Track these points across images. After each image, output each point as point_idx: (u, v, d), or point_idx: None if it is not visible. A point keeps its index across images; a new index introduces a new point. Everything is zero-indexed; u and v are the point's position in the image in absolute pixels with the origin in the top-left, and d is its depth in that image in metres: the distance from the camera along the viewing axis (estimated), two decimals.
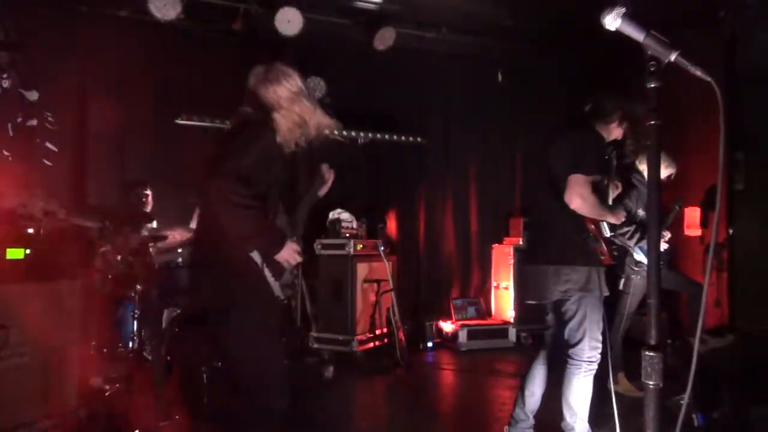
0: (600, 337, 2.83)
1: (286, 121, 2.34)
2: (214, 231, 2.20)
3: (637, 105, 2.88)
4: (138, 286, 3.98)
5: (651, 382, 1.45)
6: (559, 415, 2.97)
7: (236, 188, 2.08)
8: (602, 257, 2.83)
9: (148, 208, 4.81)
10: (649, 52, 1.45)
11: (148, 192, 4.83)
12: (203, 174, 2.20)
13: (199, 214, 2.44)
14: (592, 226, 2.80)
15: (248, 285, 2.27)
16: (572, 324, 2.84)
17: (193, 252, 2.62)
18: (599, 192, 2.79)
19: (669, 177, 4.15)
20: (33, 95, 4.94)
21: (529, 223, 3.57)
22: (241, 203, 2.09)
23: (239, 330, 2.25)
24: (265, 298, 2.30)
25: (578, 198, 2.68)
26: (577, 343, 2.83)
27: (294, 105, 2.36)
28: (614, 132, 2.97)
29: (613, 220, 2.83)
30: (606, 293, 2.85)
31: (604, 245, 2.82)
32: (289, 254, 2.26)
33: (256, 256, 2.24)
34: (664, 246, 3.97)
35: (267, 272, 2.26)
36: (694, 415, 3.33)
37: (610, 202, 3.00)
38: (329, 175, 2.69)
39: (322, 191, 2.72)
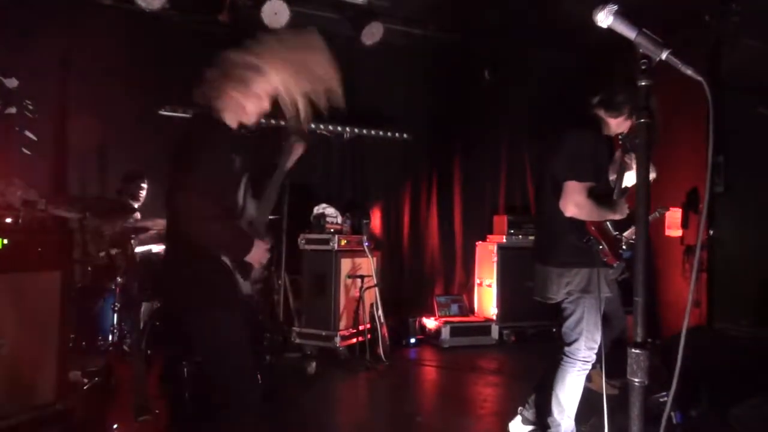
0: (598, 339, 2.81)
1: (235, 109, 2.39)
2: (182, 235, 2.15)
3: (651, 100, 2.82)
4: (118, 279, 3.93)
5: (636, 380, 1.45)
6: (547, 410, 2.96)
7: (201, 202, 2.06)
8: (605, 258, 2.80)
9: (139, 202, 4.73)
10: (641, 50, 1.45)
11: (145, 185, 4.75)
12: (170, 183, 2.22)
13: (167, 216, 2.32)
14: (593, 229, 2.76)
15: (214, 286, 2.25)
16: (569, 323, 2.85)
17: (165, 253, 2.56)
18: (598, 195, 2.72)
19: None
20: (12, 82, 4.81)
21: (535, 220, 3.51)
22: (206, 216, 2.08)
23: (207, 330, 2.25)
24: (230, 297, 2.28)
25: (573, 206, 2.67)
26: (572, 342, 2.84)
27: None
28: (621, 126, 2.87)
29: (617, 217, 2.79)
30: (607, 294, 2.81)
31: (607, 246, 2.78)
32: (260, 255, 2.26)
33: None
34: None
35: (237, 274, 2.27)
36: (672, 414, 3.37)
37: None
38: (299, 147, 2.59)
39: (290, 162, 2.61)
